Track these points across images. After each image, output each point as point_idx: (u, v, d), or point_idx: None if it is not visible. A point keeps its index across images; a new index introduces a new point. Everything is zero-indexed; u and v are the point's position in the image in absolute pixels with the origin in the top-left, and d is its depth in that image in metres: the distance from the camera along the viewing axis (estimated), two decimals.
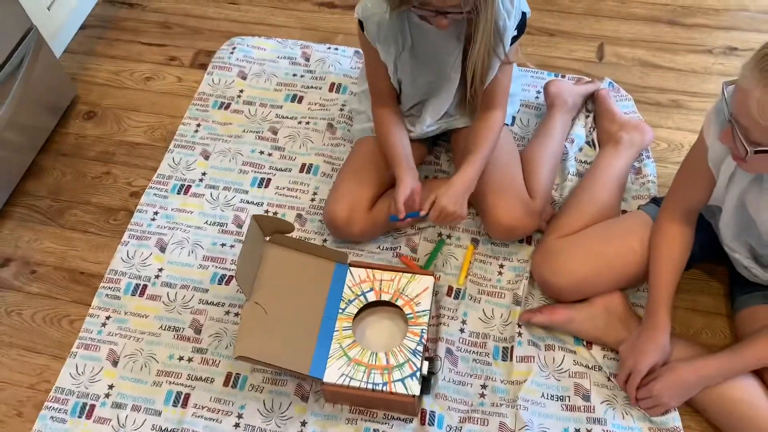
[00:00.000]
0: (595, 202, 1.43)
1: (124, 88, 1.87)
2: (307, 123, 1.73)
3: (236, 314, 1.45)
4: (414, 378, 1.26)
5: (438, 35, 1.28)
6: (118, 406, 1.35)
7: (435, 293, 1.42)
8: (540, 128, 1.59)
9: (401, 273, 1.38)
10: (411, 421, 1.29)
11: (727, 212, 1.17)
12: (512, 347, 1.35)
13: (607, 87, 1.69)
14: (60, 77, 1.78)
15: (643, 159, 1.58)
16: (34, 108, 1.68)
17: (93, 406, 1.35)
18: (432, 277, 1.37)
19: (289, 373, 1.31)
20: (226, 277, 1.50)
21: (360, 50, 1.69)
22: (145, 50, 1.96)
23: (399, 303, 1.35)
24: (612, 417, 1.27)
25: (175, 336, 1.43)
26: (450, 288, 1.45)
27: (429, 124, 1.47)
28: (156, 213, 1.61)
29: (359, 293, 1.37)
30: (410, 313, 1.33)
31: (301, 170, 1.65)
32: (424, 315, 1.33)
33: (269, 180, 1.64)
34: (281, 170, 1.65)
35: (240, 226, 1.57)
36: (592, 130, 1.64)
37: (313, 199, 1.60)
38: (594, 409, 1.28)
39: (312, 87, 1.81)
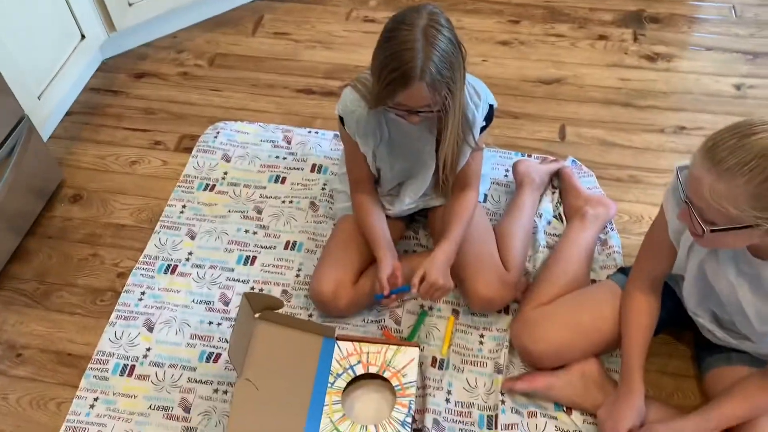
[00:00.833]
0: (566, 273, 1.53)
1: (109, 171, 1.93)
2: (291, 202, 1.81)
3: (225, 392, 1.47)
4: None
5: (412, 128, 1.39)
6: None
7: (420, 364, 1.47)
8: (511, 205, 1.69)
9: (387, 345, 1.43)
10: None
11: (689, 281, 1.27)
12: (496, 415, 1.40)
13: (571, 165, 1.82)
14: (48, 162, 1.83)
15: (608, 231, 1.69)
16: (22, 193, 1.73)
17: None
18: (417, 348, 1.43)
19: None
20: (214, 355, 1.53)
21: (338, 133, 1.79)
22: (129, 135, 2.03)
23: (386, 375, 1.40)
24: None
25: (165, 415, 1.44)
26: (434, 358, 1.50)
27: (407, 203, 1.56)
28: (143, 293, 1.64)
29: (347, 366, 1.41)
30: (398, 385, 1.38)
31: (286, 247, 1.71)
32: (412, 386, 1.38)
33: (255, 258, 1.70)
34: (266, 248, 1.71)
35: (226, 304, 1.62)
36: (558, 205, 1.75)
37: (297, 275, 1.66)
38: None
39: (294, 168, 1.89)
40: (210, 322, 1.58)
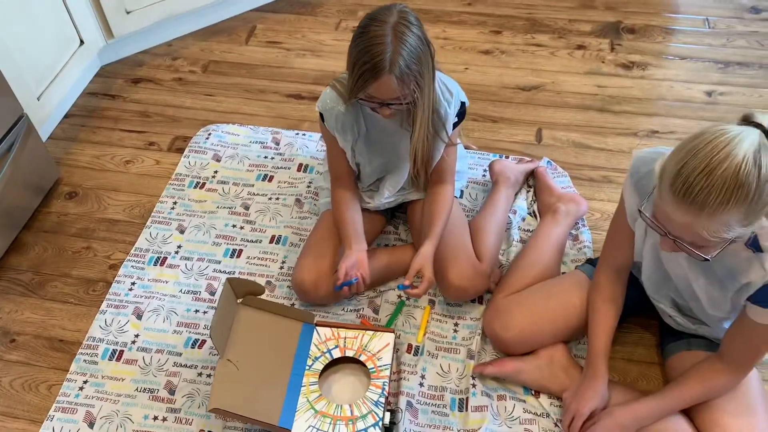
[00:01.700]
0: (537, 264, 1.60)
1: (105, 170, 2.02)
2: (277, 199, 1.89)
3: (208, 375, 1.53)
4: (377, 427, 1.36)
5: (388, 123, 1.48)
6: None
7: (396, 350, 1.54)
8: (486, 201, 1.77)
9: (364, 331, 1.50)
10: None
11: (647, 266, 1.34)
12: (467, 398, 1.46)
13: (546, 165, 1.90)
14: (45, 160, 1.91)
15: (580, 227, 1.76)
16: (19, 188, 1.81)
17: None
18: (393, 333, 1.50)
19: (259, 426, 1.39)
20: (199, 341, 1.60)
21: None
22: (125, 136, 2.12)
23: (362, 358, 1.46)
24: None
25: (150, 397, 1.50)
26: (410, 345, 1.57)
27: (387, 197, 1.63)
28: (133, 283, 1.71)
29: (325, 350, 1.48)
30: (372, 368, 1.45)
31: (271, 241, 1.79)
32: (386, 369, 1.44)
33: (241, 251, 1.77)
34: (252, 242, 1.79)
35: (212, 294, 1.69)
36: (533, 202, 1.83)
37: (281, 267, 1.73)
38: None
39: (281, 167, 1.98)
40: (196, 311, 1.66)
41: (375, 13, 1.31)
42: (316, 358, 1.47)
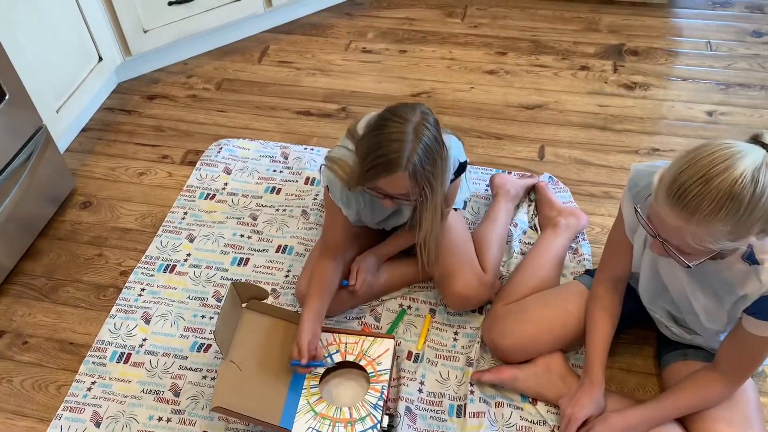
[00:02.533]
0: (536, 275, 1.63)
1: (118, 181, 2.08)
2: (284, 210, 1.94)
3: (212, 378, 1.57)
4: (375, 430, 1.38)
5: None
6: None
7: (396, 357, 1.57)
8: (487, 214, 1.81)
9: (364, 336, 1.54)
10: None
11: (644, 277, 1.37)
12: (465, 404, 1.49)
13: (547, 180, 1.94)
14: (62, 171, 1.98)
15: (580, 241, 1.80)
16: (36, 197, 1.87)
17: None
18: (393, 339, 1.53)
19: (261, 426, 1.42)
20: (205, 346, 1.64)
21: (331, 149, 1.92)
22: (139, 150, 2.19)
23: (362, 363, 1.49)
24: None
25: (156, 398, 1.54)
26: (410, 352, 1.60)
27: (389, 228, 1.67)
28: (143, 289, 1.76)
29: (326, 355, 1.51)
30: (372, 372, 1.48)
31: (277, 251, 1.83)
32: (385, 373, 1.47)
33: (248, 259, 1.82)
34: (259, 251, 1.84)
35: (219, 300, 1.73)
36: (534, 216, 1.87)
37: (287, 276, 1.77)
38: None
39: (289, 180, 2.03)
40: (203, 316, 1.70)
41: (397, 109, 1.31)
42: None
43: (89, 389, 1.56)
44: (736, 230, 1.01)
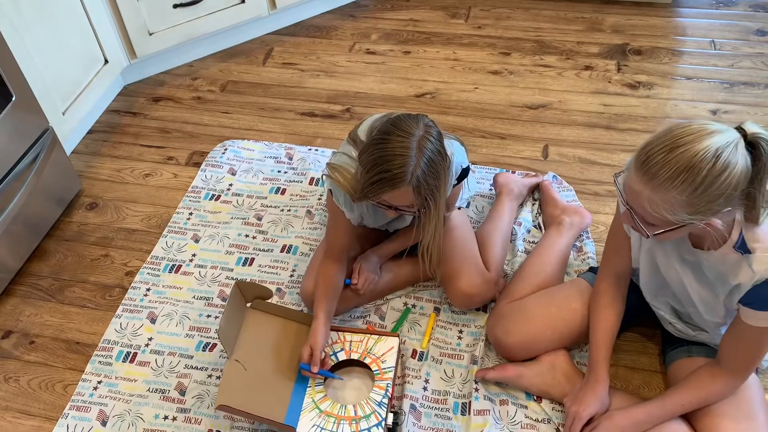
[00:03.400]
0: (540, 273, 1.63)
1: (124, 183, 2.10)
2: (289, 210, 1.95)
3: (218, 377, 1.58)
4: (379, 427, 1.39)
5: None
6: None
7: (401, 355, 1.57)
8: (491, 212, 1.81)
9: (369, 335, 1.54)
10: None
11: (643, 271, 1.37)
12: (470, 402, 1.49)
13: (551, 179, 1.94)
14: (68, 172, 2.00)
15: (584, 239, 1.80)
16: (42, 198, 1.89)
17: None
18: (397, 338, 1.54)
19: (266, 424, 1.43)
20: (210, 345, 1.64)
21: (335, 150, 1.93)
22: (145, 151, 2.20)
23: (367, 361, 1.50)
24: None
25: (161, 397, 1.55)
26: (414, 351, 1.60)
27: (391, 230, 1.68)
28: (148, 289, 1.77)
29: (331, 353, 1.52)
30: (377, 370, 1.48)
31: (282, 250, 1.84)
32: (390, 371, 1.48)
33: (253, 259, 1.83)
34: (264, 251, 1.85)
35: (224, 300, 1.74)
36: (538, 215, 1.87)
37: (292, 275, 1.78)
38: None
39: (294, 181, 2.04)
40: (208, 316, 1.71)
41: (401, 122, 1.30)
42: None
43: (95, 388, 1.57)
44: (693, 203, 1.04)
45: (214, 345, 1.64)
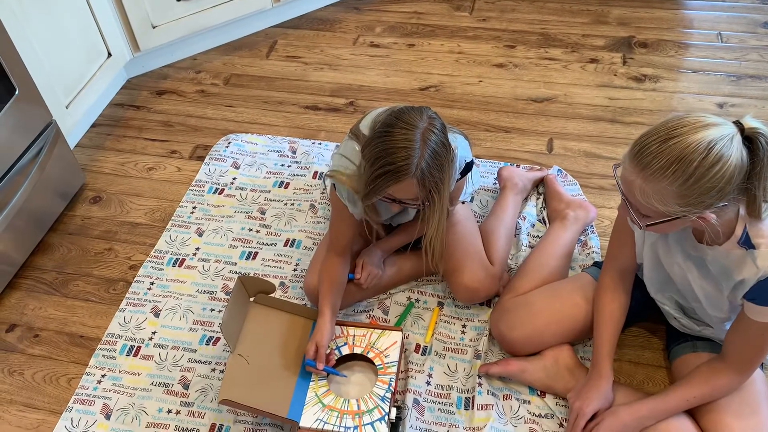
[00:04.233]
0: (544, 267, 1.62)
1: (128, 176, 2.09)
2: (292, 204, 1.94)
3: (221, 371, 1.58)
4: (382, 422, 1.39)
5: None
6: None
7: (405, 350, 1.57)
8: (495, 206, 1.80)
9: (372, 329, 1.54)
10: None
11: (647, 266, 1.36)
12: (473, 397, 1.49)
13: (555, 173, 1.93)
14: (72, 166, 2.00)
15: (589, 233, 1.79)
16: (46, 192, 1.89)
17: None
18: (400, 332, 1.53)
19: (269, 418, 1.43)
20: (214, 339, 1.65)
21: (339, 144, 1.93)
22: (148, 145, 2.20)
23: (370, 355, 1.50)
24: None
25: (165, 391, 1.55)
26: (418, 345, 1.60)
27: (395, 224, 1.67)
28: (152, 283, 1.77)
29: (334, 347, 1.51)
30: (380, 364, 1.48)
31: (285, 244, 1.84)
32: (393, 366, 1.47)
33: (256, 253, 1.82)
34: (267, 245, 1.84)
35: (228, 294, 1.74)
36: (542, 209, 1.86)
37: (295, 269, 1.78)
38: None
39: (298, 175, 2.03)
40: (212, 309, 1.71)
41: (404, 114, 1.29)
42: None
43: (99, 382, 1.58)
44: (684, 194, 1.04)
45: (218, 339, 1.64)
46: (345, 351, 1.51)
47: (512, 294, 1.57)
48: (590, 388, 1.39)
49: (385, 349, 1.50)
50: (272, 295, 1.55)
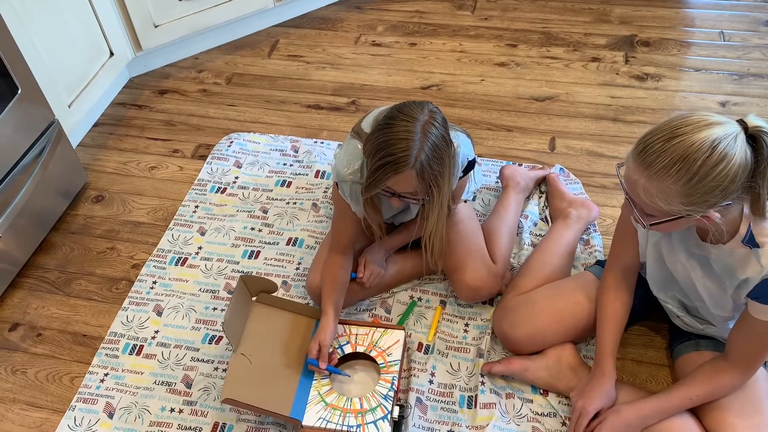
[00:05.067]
0: (547, 266, 1.62)
1: (130, 175, 2.10)
2: (294, 203, 1.94)
3: (224, 370, 1.58)
4: (385, 420, 1.39)
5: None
6: None
7: (407, 348, 1.57)
8: (497, 205, 1.80)
9: (375, 328, 1.54)
10: None
11: (650, 264, 1.36)
12: (476, 396, 1.48)
13: (558, 172, 1.93)
14: (74, 165, 2.00)
15: (591, 232, 1.79)
16: (48, 192, 1.89)
17: None
18: (403, 331, 1.53)
19: (272, 417, 1.43)
20: (216, 337, 1.65)
21: (341, 143, 1.93)
22: (151, 144, 2.20)
23: (372, 354, 1.50)
24: None
25: (168, 390, 1.55)
26: (420, 344, 1.60)
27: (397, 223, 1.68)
28: (155, 282, 1.78)
29: (336, 346, 1.52)
30: (382, 363, 1.48)
31: (288, 243, 1.84)
32: (396, 364, 1.47)
33: (259, 252, 1.82)
34: (270, 244, 1.84)
35: (230, 293, 1.74)
36: (545, 208, 1.86)
37: (297, 268, 1.78)
38: None
39: (300, 174, 2.03)
40: (214, 308, 1.71)
41: (405, 108, 1.30)
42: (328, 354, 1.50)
43: (102, 381, 1.58)
44: (688, 193, 1.04)
45: (221, 338, 1.64)
46: (348, 350, 1.51)
47: (515, 293, 1.57)
48: (593, 387, 1.38)
49: (388, 348, 1.50)
50: (274, 294, 1.55)
